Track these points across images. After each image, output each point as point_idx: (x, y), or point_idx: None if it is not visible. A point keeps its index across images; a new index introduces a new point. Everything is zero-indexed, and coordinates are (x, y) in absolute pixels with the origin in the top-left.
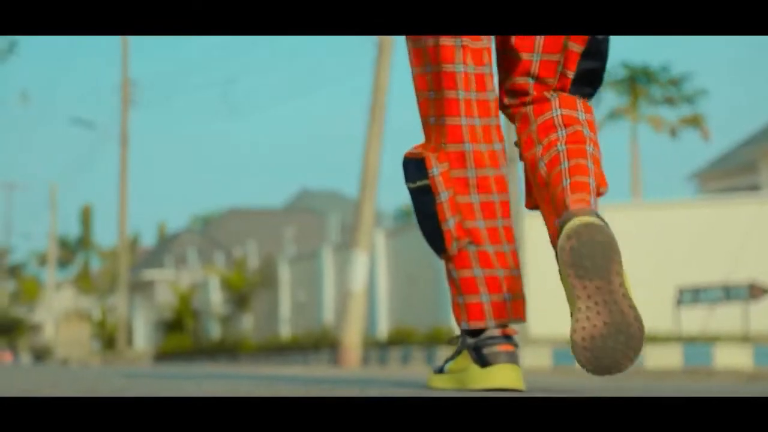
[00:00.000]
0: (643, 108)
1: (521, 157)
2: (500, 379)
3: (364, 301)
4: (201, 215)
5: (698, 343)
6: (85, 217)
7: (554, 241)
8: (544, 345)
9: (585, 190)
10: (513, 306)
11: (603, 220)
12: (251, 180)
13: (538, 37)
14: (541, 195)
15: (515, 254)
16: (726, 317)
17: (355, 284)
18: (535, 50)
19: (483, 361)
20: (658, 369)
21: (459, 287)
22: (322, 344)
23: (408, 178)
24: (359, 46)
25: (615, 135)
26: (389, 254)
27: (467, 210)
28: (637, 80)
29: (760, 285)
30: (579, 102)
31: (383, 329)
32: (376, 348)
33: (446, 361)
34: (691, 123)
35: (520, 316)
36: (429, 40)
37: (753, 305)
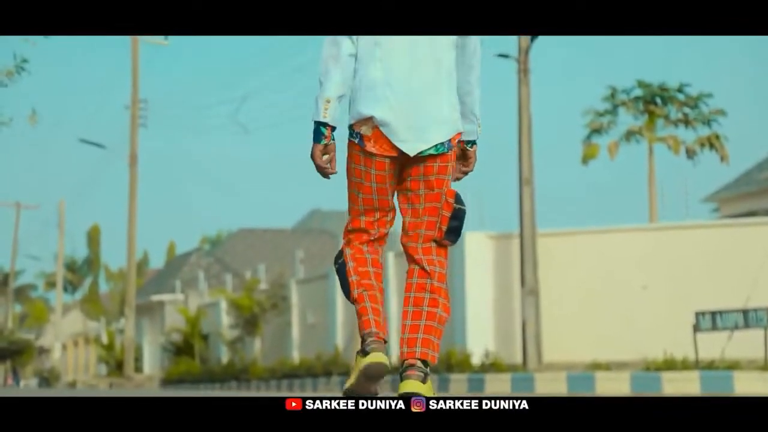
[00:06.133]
0: (659, 129)
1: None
2: (373, 358)
3: None
4: (210, 236)
5: (716, 370)
6: (93, 237)
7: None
8: (558, 370)
9: (428, 346)
10: (383, 323)
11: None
12: (262, 200)
13: (422, 209)
14: (410, 312)
15: (380, 310)
16: (745, 343)
17: None
18: (421, 215)
19: (365, 353)
20: (675, 395)
21: (359, 313)
22: (333, 368)
23: (336, 260)
24: None
25: (631, 156)
26: (400, 276)
27: (366, 275)
28: (654, 100)
29: None
30: (436, 262)
31: (395, 353)
32: (389, 372)
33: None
34: (709, 144)
35: (384, 330)
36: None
37: None
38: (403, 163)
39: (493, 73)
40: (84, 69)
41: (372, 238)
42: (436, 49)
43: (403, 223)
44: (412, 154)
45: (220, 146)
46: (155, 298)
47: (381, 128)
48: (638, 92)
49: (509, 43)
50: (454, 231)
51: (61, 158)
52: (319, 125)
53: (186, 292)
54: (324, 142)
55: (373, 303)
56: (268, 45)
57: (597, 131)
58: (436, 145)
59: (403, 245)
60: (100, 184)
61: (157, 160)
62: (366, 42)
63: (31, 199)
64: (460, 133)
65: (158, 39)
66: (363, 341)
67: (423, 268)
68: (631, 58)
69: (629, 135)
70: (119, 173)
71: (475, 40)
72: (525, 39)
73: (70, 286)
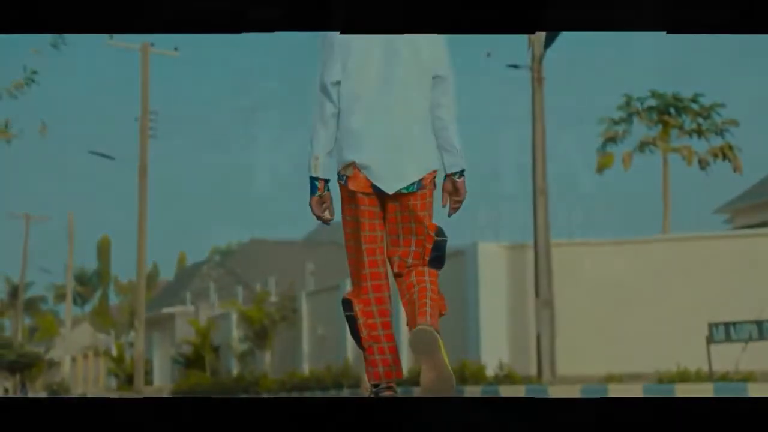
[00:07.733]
0: (673, 139)
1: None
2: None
3: None
4: (220, 247)
5: (731, 382)
6: (103, 249)
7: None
8: (572, 383)
9: (424, 316)
10: (395, 371)
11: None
12: (272, 211)
13: (403, 240)
14: (407, 310)
15: (395, 347)
16: (759, 355)
17: None
18: (412, 247)
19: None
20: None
21: (369, 362)
22: (343, 380)
23: (345, 309)
24: None
25: (645, 166)
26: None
27: (373, 327)
28: (668, 110)
29: None
30: (427, 273)
31: (407, 365)
32: (401, 385)
33: None
34: (722, 154)
35: (399, 376)
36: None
37: None
38: (385, 201)
39: (506, 82)
40: (94, 81)
41: (374, 283)
42: (409, 96)
43: (392, 253)
44: (390, 192)
45: (229, 157)
46: (165, 310)
47: (362, 171)
48: (652, 102)
49: (522, 52)
50: (435, 260)
51: (71, 170)
52: (312, 179)
53: (196, 304)
54: (318, 193)
55: (381, 354)
56: (278, 55)
57: (612, 140)
58: (411, 184)
59: (394, 274)
60: (110, 195)
61: (167, 172)
62: (346, 97)
63: (41, 210)
64: (434, 172)
65: (168, 50)
66: (374, 387)
67: (411, 282)
68: (646, 67)
69: (643, 145)
70: (129, 184)
71: (445, 82)
72: (538, 47)
73: (80, 299)
